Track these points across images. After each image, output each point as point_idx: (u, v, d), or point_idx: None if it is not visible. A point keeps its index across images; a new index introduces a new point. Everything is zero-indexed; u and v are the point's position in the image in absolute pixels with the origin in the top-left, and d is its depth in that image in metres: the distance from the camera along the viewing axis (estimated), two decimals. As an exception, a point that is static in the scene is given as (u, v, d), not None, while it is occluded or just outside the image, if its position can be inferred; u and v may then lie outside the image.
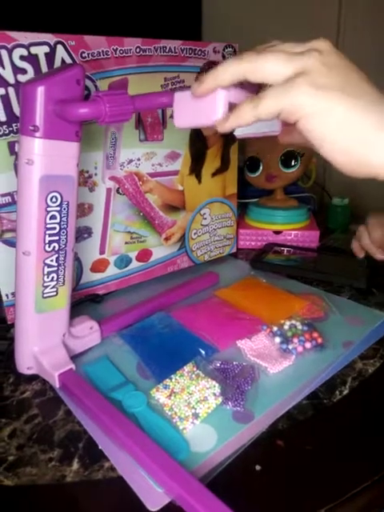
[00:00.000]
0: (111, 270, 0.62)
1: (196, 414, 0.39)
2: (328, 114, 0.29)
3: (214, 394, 0.41)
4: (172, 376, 0.43)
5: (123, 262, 0.63)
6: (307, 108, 0.29)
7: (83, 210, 0.56)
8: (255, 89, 0.38)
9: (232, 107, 0.35)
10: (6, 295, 0.52)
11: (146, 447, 0.35)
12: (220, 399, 0.41)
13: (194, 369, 0.44)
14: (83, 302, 0.58)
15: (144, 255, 0.65)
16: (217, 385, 0.42)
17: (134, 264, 0.64)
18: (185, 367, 0.44)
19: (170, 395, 0.41)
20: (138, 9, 1.01)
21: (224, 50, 0.64)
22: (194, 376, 0.43)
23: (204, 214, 0.70)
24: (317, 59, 0.30)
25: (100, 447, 0.37)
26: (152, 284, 0.65)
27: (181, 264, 0.70)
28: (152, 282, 0.66)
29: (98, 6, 0.93)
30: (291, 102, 0.29)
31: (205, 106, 0.34)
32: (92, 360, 0.48)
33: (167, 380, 0.42)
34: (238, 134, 0.44)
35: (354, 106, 0.29)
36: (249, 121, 0.32)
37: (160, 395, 0.41)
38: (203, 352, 0.48)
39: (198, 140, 0.66)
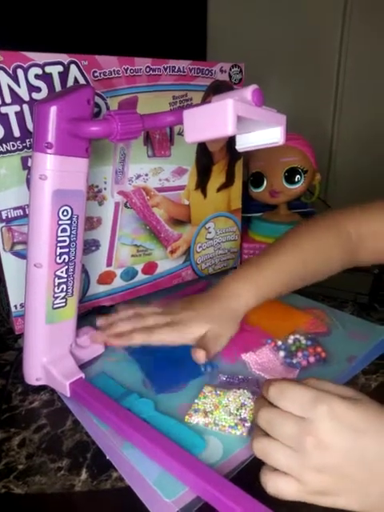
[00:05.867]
0: (117, 282, 0.63)
1: (243, 418, 0.40)
2: None
3: (249, 398, 0.42)
4: (196, 400, 0.43)
5: (129, 274, 0.64)
6: None
7: (92, 223, 0.57)
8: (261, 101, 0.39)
9: (241, 120, 0.36)
10: (15, 306, 0.53)
11: (167, 447, 0.36)
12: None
13: (213, 389, 0.44)
14: (90, 314, 0.59)
15: (150, 268, 0.66)
16: (245, 391, 0.43)
17: (140, 276, 0.65)
18: (203, 390, 0.44)
19: (206, 415, 0.41)
20: (144, 28, 1.04)
21: (230, 69, 0.66)
22: (218, 392, 0.43)
23: (209, 227, 0.72)
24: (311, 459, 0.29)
25: (107, 457, 0.37)
26: (157, 296, 0.66)
27: (185, 277, 0.71)
28: (157, 294, 0.67)
29: (106, 26, 0.96)
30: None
31: (215, 119, 0.36)
32: (91, 374, 0.48)
33: (194, 404, 0.42)
34: (241, 146, 0.45)
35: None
36: None
37: (197, 418, 0.41)
38: (203, 367, 0.48)
39: (204, 156, 0.67)
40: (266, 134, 0.42)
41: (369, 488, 0.30)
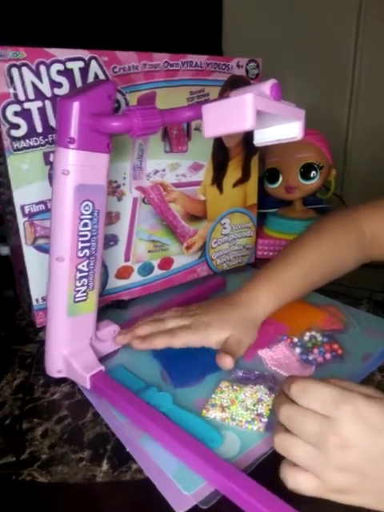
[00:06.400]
0: (135, 277, 0.63)
1: (260, 414, 0.41)
2: None
3: (266, 394, 0.43)
4: (213, 395, 0.43)
5: (146, 269, 0.64)
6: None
7: (111, 218, 0.58)
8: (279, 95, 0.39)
9: (259, 115, 0.36)
10: (36, 300, 0.54)
11: (186, 440, 0.36)
12: (273, 395, 0.42)
13: (230, 384, 0.45)
14: (108, 308, 0.60)
15: (166, 263, 0.66)
16: (262, 387, 0.44)
17: (157, 271, 0.66)
18: (220, 385, 0.45)
19: (223, 409, 0.41)
20: (159, 23, 1.04)
21: (247, 64, 0.66)
22: (235, 388, 0.44)
23: (224, 223, 0.72)
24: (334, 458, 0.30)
25: (127, 449, 0.38)
26: (174, 291, 0.67)
27: (201, 272, 0.71)
28: (174, 289, 0.67)
29: (121, 21, 0.96)
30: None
31: (234, 113, 0.36)
32: (110, 368, 0.48)
33: (210, 399, 0.43)
34: (259, 141, 0.45)
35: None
36: None
37: (214, 413, 0.41)
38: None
39: (221, 151, 0.67)
40: (284, 128, 0.42)
41: None
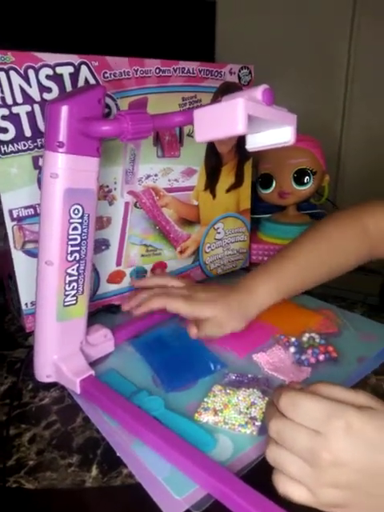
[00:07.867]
0: (127, 282, 0.63)
1: (253, 417, 0.40)
2: None
3: (259, 397, 0.42)
4: (205, 399, 0.43)
5: (138, 273, 0.64)
6: None
7: (102, 222, 0.57)
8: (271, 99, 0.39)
9: (251, 120, 0.36)
10: (26, 304, 0.53)
11: (178, 444, 0.36)
12: (266, 399, 0.42)
13: (223, 387, 0.44)
14: (99, 312, 0.59)
15: (159, 267, 0.66)
16: (255, 390, 0.43)
17: (149, 276, 0.65)
18: (213, 388, 0.44)
19: (216, 413, 0.41)
20: (153, 32, 1.05)
21: (240, 71, 0.66)
22: (228, 391, 0.43)
23: (218, 228, 0.72)
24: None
25: (118, 454, 0.37)
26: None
27: (194, 277, 0.71)
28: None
29: (114, 29, 0.97)
30: None
31: (225, 118, 0.36)
32: (101, 372, 0.48)
33: (203, 403, 0.42)
34: (251, 146, 0.45)
35: None
36: None
37: (206, 417, 0.41)
38: (212, 365, 0.49)
39: (214, 157, 0.67)
40: (276, 133, 0.42)
41: (380, 502, 0.29)
